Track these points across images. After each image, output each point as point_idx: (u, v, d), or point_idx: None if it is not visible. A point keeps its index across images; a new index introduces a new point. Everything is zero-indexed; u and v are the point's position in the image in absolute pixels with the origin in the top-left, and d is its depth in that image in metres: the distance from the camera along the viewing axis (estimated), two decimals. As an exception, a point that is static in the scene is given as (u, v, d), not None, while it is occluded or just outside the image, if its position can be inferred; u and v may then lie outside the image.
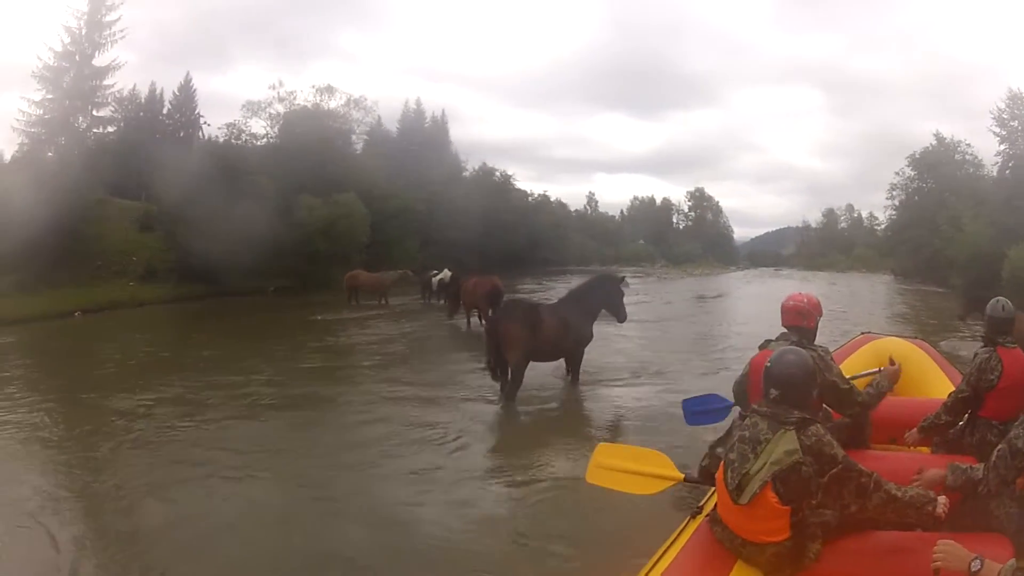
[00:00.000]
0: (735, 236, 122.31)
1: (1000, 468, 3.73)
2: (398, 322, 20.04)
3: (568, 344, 10.78)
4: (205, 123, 46.98)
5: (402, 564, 5.37)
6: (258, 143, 42.36)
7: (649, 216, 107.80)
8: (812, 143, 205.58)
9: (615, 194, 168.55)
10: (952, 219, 42.74)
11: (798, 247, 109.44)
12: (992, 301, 5.36)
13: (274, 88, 44.66)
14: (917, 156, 56.13)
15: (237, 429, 9.19)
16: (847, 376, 5.15)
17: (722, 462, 3.79)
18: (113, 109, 36.29)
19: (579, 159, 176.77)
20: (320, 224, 33.74)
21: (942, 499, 3.72)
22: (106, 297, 25.70)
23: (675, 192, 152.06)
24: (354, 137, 49.52)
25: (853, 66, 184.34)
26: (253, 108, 43.56)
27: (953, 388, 5.55)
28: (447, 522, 6.02)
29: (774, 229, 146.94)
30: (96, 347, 17.53)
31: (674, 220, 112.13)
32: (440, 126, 64.68)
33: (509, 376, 9.95)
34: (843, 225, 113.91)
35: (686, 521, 4.18)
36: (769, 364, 3.81)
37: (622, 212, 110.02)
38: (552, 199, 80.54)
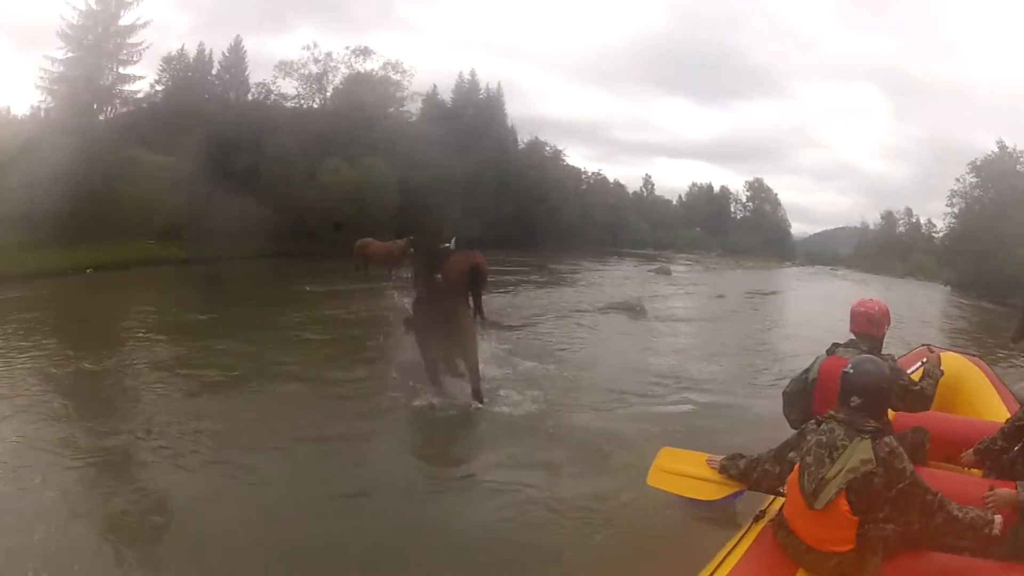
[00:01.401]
0: (793, 231, 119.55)
1: None
2: (383, 298, 16.99)
3: None
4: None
5: (458, 561, 5.22)
6: (287, 104, 42.52)
7: (706, 203, 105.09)
8: (874, 143, 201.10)
9: (674, 179, 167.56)
10: (1016, 234, 41.90)
11: (855, 248, 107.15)
12: None
13: (308, 48, 44.78)
14: (979, 163, 54.29)
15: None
16: None
17: (797, 465, 3.79)
18: (160, 68, 38.21)
19: (641, 142, 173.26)
20: (345, 188, 33.26)
21: (998, 519, 3.71)
22: (122, 255, 25.74)
23: (733, 181, 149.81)
24: (407, 105, 49.20)
25: (915, 68, 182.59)
26: (285, 68, 43.78)
27: (1006, 410, 5.58)
28: (497, 515, 5.93)
29: (832, 228, 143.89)
30: (90, 306, 17.67)
31: (732, 210, 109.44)
32: (495, 99, 63.07)
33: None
34: (901, 229, 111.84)
35: (748, 525, 4.19)
36: (849, 371, 3.83)
37: (680, 197, 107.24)
38: (611, 180, 79.85)
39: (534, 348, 12.26)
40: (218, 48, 45.32)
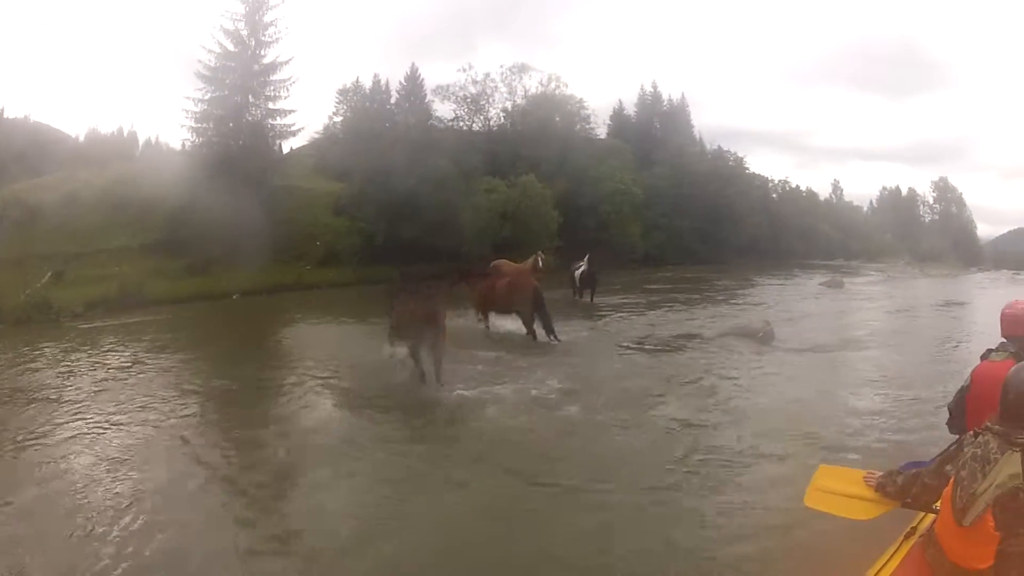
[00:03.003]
0: (983, 234, 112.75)
1: None
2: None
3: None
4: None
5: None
6: (443, 126, 43.19)
7: (896, 208, 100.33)
8: None
9: (866, 184, 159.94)
10: None
11: None
12: None
13: (464, 71, 45.82)
14: None
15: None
16: None
17: (951, 479, 3.54)
18: (337, 100, 41.77)
19: (835, 147, 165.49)
20: (500, 207, 33.19)
21: None
22: (272, 280, 26.47)
23: (921, 183, 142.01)
24: (593, 121, 49.56)
25: None
26: (442, 92, 44.71)
27: None
28: (648, 529, 6.05)
29: (1019, 227, 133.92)
30: (217, 329, 19.18)
31: (920, 213, 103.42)
32: (679, 110, 62.95)
33: None
34: None
35: (899, 542, 4.10)
36: (1012, 379, 3.51)
37: (871, 203, 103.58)
38: (803, 188, 78.20)
39: (573, 372, 11.77)
40: (395, 77, 46.67)
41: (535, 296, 14.74)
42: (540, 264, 20.76)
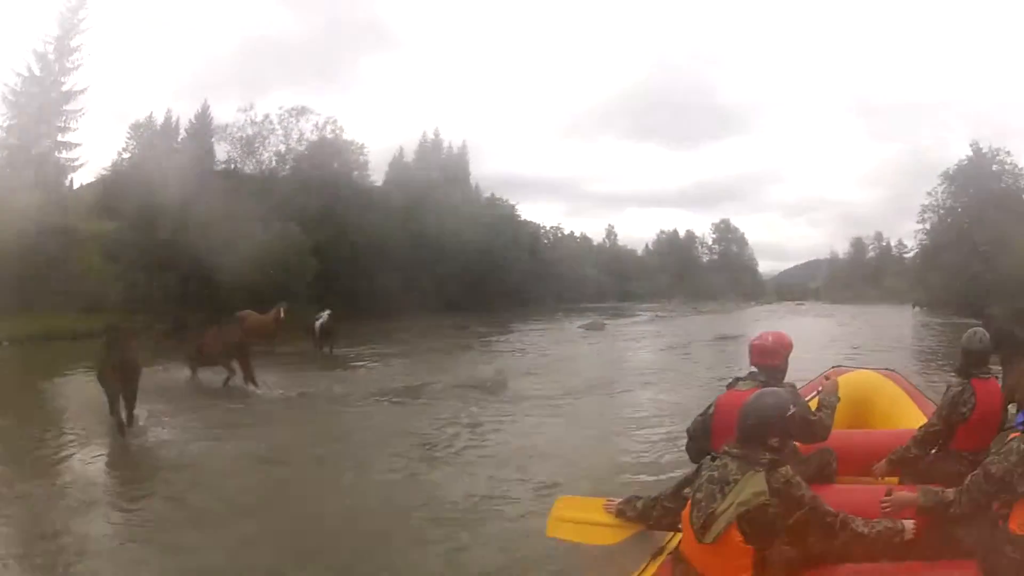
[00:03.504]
0: (765, 269, 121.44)
1: (974, 492, 3.86)
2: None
3: None
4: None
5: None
6: (219, 167, 42.81)
7: (673, 249, 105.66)
8: (847, 172, 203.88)
9: (644, 228, 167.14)
10: (996, 238, 41.16)
11: (826, 280, 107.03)
12: (969, 332, 5.45)
13: (244, 111, 45.13)
14: (951, 172, 53.83)
15: None
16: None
17: (688, 501, 3.85)
18: (128, 135, 39.87)
19: (612, 193, 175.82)
20: (260, 255, 31.75)
21: (909, 525, 3.87)
22: (44, 327, 25.65)
23: (702, 225, 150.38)
24: (371, 168, 50.24)
25: (893, 90, 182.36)
26: (220, 133, 44.59)
27: (926, 419, 5.62)
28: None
29: (803, 262, 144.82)
30: None
31: (700, 253, 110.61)
32: (459, 157, 63.82)
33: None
34: (872, 255, 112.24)
35: (647, 562, 4.26)
36: (750, 405, 3.88)
37: (647, 246, 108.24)
38: (577, 234, 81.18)
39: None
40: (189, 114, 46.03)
41: (240, 346, 15.12)
42: (282, 315, 21.40)
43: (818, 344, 22.51)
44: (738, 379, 5.17)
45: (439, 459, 9.52)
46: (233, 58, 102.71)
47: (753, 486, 3.55)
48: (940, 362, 19.09)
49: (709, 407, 5.16)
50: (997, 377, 5.30)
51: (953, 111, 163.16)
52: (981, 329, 5.41)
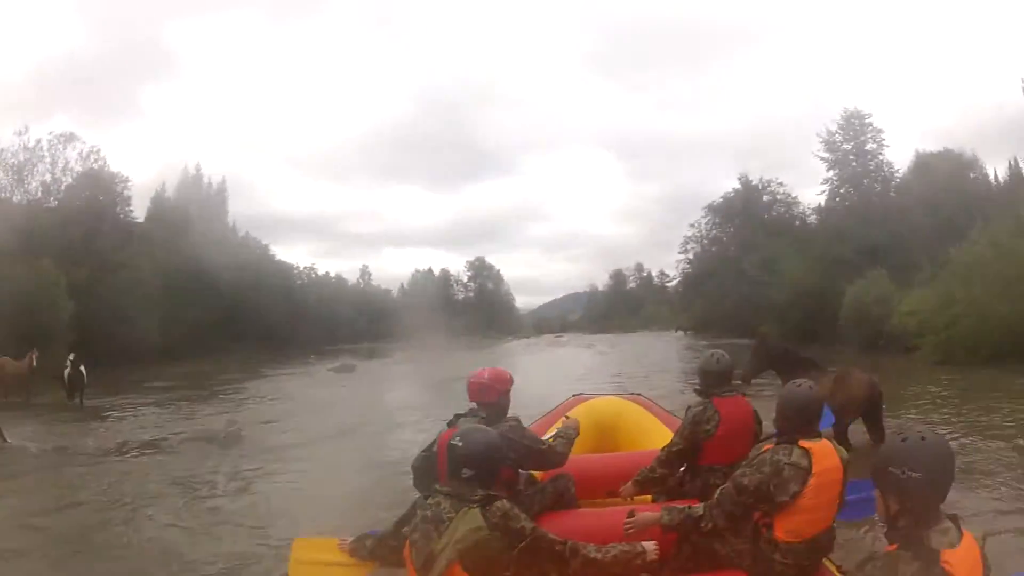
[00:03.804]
0: (523, 304, 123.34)
1: (726, 505, 4.00)
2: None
3: None
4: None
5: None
6: None
7: (428, 288, 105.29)
8: (606, 208, 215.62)
9: (402, 268, 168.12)
10: (768, 261, 43.38)
11: (585, 311, 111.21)
12: (706, 355, 5.54)
13: (20, 134, 42.36)
14: (717, 203, 56.38)
15: None
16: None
17: (407, 541, 3.72)
18: None
19: (368, 233, 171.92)
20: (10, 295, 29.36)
21: (650, 546, 3.92)
22: None
23: (458, 264, 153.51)
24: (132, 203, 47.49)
25: (655, 129, 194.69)
26: None
27: None
28: None
29: (562, 295, 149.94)
30: None
31: (455, 291, 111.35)
32: (218, 194, 62.49)
33: None
34: (632, 285, 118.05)
35: None
36: (456, 443, 3.77)
37: (402, 286, 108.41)
38: (332, 274, 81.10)
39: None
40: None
41: None
42: (35, 363, 20.54)
43: (575, 375, 23.53)
44: (459, 416, 5.13)
45: (179, 520, 8.85)
46: (18, 77, 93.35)
47: (468, 523, 3.51)
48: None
49: (432, 443, 5.16)
50: (745, 395, 5.52)
51: (714, 150, 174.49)
52: (719, 351, 5.56)
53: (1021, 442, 10.72)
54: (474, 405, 5.18)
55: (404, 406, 18.42)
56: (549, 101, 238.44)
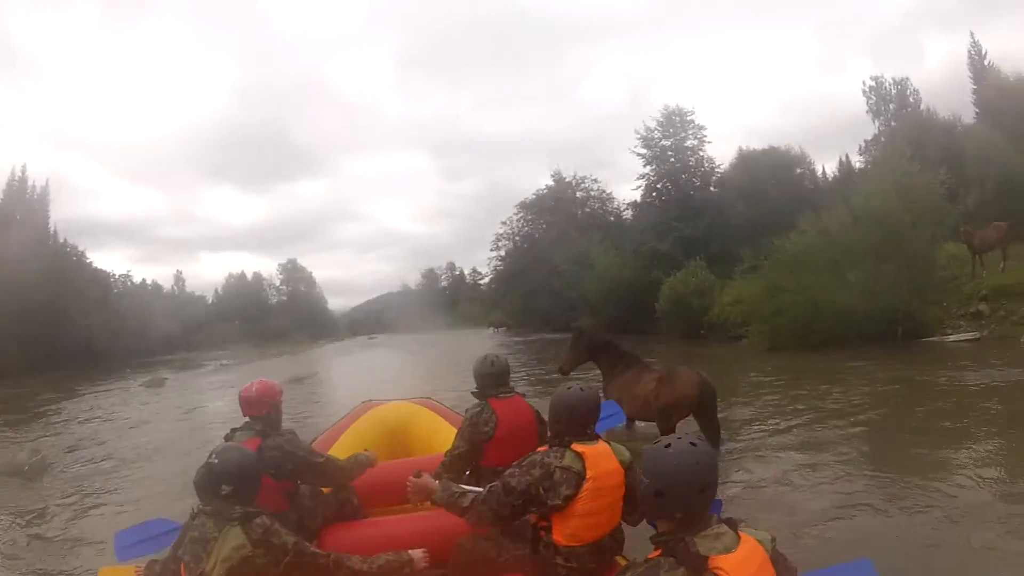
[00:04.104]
0: (337, 306, 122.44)
1: (492, 503, 3.96)
2: None
3: None
4: None
5: None
6: None
7: (242, 293, 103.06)
8: (418, 208, 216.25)
9: (216, 273, 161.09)
10: (581, 256, 43.59)
11: (399, 311, 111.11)
12: (480, 358, 5.46)
13: None
14: (529, 200, 56.49)
15: None
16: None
17: (182, 563, 3.65)
18: None
19: (182, 237, 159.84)
20: None
21: (418, 555, 4.02)
22: None
23: (269, 266, 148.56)
24: None
25: (469, 128, 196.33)
26: None
27: None
28: None
29: (376, 296, 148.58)
30: None
31: (268, 295, 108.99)
32: (41, 198, 58.44)
33: None
34: (444, 284, 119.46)
35: None
36: (213, 461, 3.78)
37: (217, 292, 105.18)
38: (149, 281, 79.31)
39: None
40: None
41: None
42: None
43: (384, 378, 23.85)
44: (235, 430, 5.07)
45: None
46: None
47: (231, 541, 3.52)
48: (523, 377, 20.75)
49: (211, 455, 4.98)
50: (522, 395, 5.54)
51: (529, 149, 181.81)
52: (492, 354, 5.58)
53: (851, 429, 10.93)
54: (247, 419, 5.13)
55: (213, 420, 17.93)
56: (365, 99, 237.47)
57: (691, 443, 2.73)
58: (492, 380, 5.36)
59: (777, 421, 11.99)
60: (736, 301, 29.02)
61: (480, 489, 4.29)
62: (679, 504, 2.68)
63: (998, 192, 29.64)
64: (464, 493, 4.19)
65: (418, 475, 4.42)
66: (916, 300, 22.44)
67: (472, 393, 5.46)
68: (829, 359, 19.83)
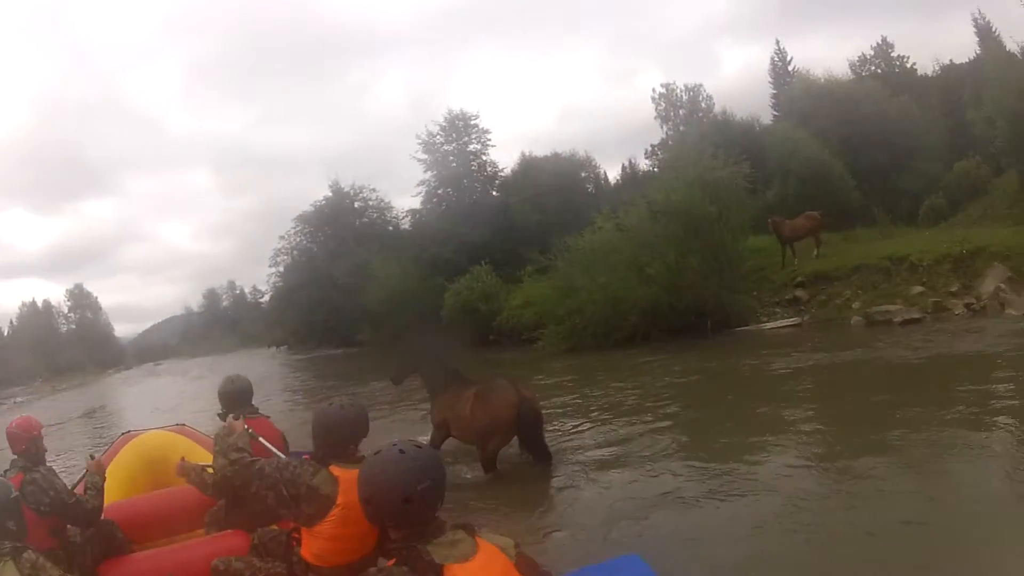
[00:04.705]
0: (124, 332, 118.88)
1: (235, 481, 4.15)
2: None
3: None
4: None
5: None
6: None
7: (34, 323, 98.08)
8: (201, 226, 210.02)
9: (11, 301, 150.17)
10: (359, 268, 42.34)
11: (182, 335, 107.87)
12: (224, 379, 5.67)
13: None
14: (307, 213, 54.19)
15: None
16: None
17: None
18: None
19: None
20: None
21: None
22: None
23: (58, 293, 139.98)
24: None
25: (254, 141, 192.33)
26: None
27: None
28: None
29: (162, 320, 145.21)
30: None
31: (59, 324, 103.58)
32: None
33: None
34: (226, 304, 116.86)
35: None
36: None
37: (12, 323, 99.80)
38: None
39: None
40: None
41: None
42: None
43: (167, 406, 23.67)
44: (7, 470, 5.06)
45: None
46: None
47: (6, 574, 3.48)
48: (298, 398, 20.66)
49: None
50: (267, 416, 5.73)
51: (311, 162, 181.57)
52: (236, 374, 5.82)
53: (650, 424, 10.66)
54: (14, 456, 5.11)
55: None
56: (152, 113, 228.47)
57: (400, 450, 2.72)
58: (234, 399, 5.55)
59: (564, 422, 11.63)
60: (527, 304, 28.36)
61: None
62: (385, 512, 2.70)
63: (801, 185, 30.44)
64: (205, 470, 4.67)
65: (183, 460, 4.81)
66: (725, 291, 22.08)
67: (218, 415, 5.54)
68: (628, 356, 19.47)
